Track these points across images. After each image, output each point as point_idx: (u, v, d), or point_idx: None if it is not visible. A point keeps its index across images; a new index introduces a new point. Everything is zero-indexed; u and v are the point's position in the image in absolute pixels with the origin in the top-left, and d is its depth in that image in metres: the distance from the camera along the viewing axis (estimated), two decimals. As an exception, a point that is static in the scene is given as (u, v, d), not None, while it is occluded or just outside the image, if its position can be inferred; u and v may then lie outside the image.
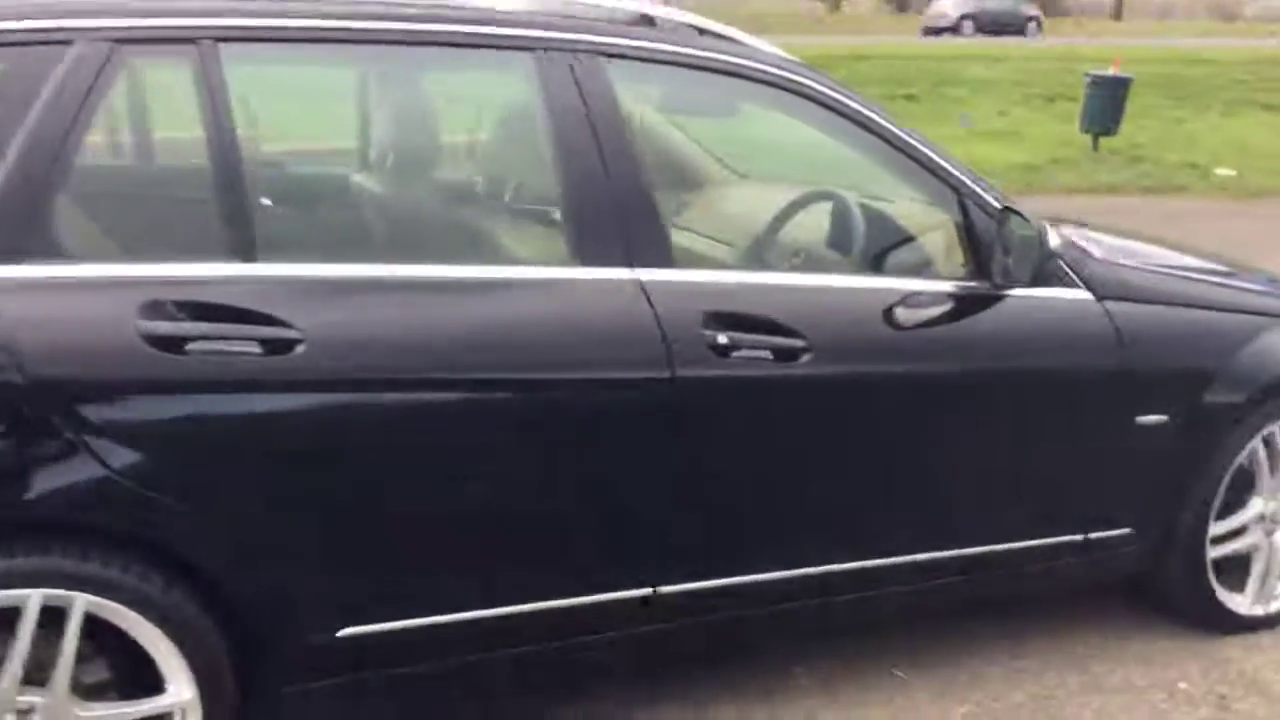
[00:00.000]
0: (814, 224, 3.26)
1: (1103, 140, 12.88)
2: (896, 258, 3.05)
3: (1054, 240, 2.88)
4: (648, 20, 2.91)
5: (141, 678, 2.28)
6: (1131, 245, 3.71)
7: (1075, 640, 3.43)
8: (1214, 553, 3.41)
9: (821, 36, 27.88)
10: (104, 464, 2.16)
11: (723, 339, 2.61)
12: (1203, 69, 22.15)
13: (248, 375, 2.25)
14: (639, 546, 2.66)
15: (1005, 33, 33.36)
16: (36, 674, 2.19)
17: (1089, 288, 3.11)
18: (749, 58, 2.85)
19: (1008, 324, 2.98)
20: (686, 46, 2.80)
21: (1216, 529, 3.39)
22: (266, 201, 2.55)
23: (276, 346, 2.27)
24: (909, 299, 2.88)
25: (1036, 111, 16.56)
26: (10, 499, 2.13)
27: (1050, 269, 3.03)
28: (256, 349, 2.26)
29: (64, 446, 2.14)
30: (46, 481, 2.14)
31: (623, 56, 2.67)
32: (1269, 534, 3.50)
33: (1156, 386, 3.18)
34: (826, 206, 3.23)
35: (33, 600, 2.14)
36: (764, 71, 2.83)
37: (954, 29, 34.21)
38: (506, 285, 2.55)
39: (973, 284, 2.95)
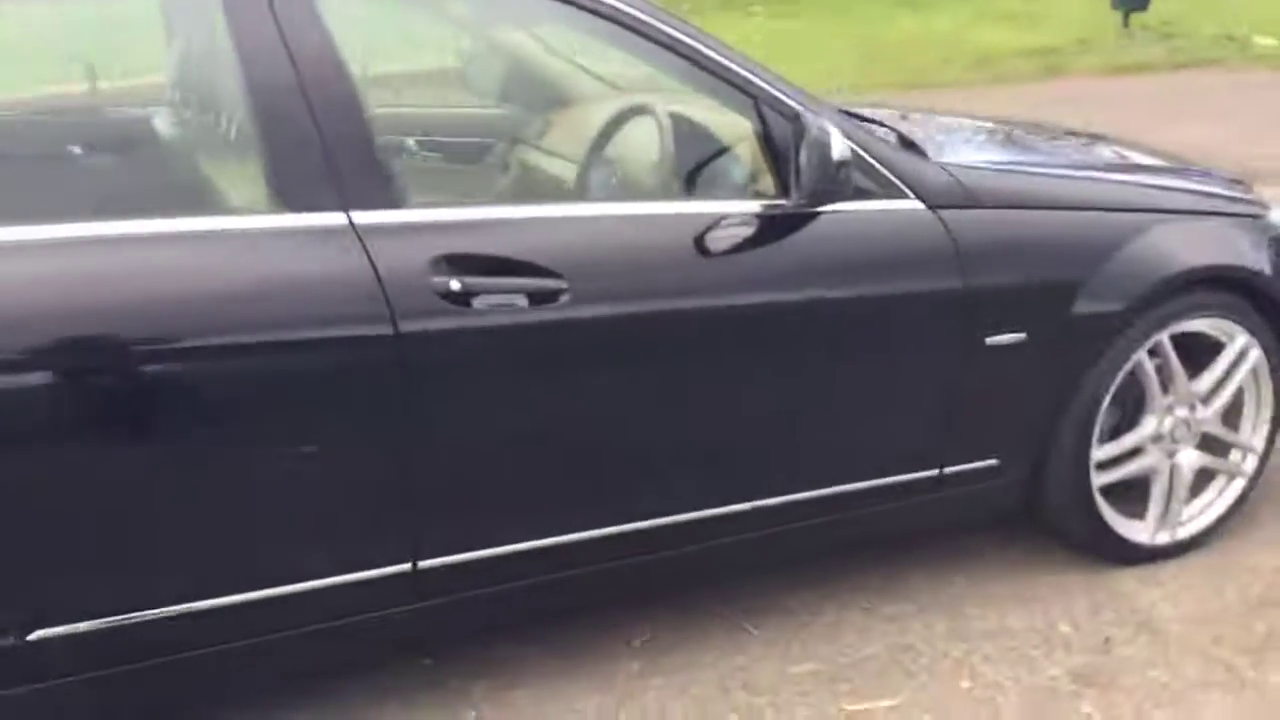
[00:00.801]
0: (635, 142, 2.95)
1: (1133, 17, 12.18)
2: (703, 177, 2.74)
3: (839, 147, 2.50)
4: None
5: None
6: (999, 140, 3.34)
7: (953, 582, 3.14)
8: (1102, 479, 3.08)
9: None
10: None
11: (455, 285, 2.32)
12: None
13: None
14: (381, 520, 2.41)
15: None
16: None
17: (920, 195, 2.76)
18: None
19: (816, 246, 2.64)
20: None
21: (1101, 453, 3.05)
22: None
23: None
24: (695, 224, 2.56)
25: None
26: None
27: (884, 177, 2.71)
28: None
29: None
30: None
31: None
32: (1169, 455, 3.16)
33: (1009, 302, 2.83)
34: (644, 121, 2.92)
35: None
36: None
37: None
38: (196, 239, 2.26)
39: (772, 203, 2.63)
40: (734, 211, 2.62)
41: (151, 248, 2.21)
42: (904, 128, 3.18)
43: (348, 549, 2.38)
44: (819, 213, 2.62)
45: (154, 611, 2.23)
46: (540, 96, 3.44)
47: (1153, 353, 3.02)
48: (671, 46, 2.59)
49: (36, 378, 2.08)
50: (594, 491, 2.56)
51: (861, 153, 2.70)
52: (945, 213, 2.77)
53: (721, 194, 2.73)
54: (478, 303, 2.34)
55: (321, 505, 2.34)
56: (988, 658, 2.85)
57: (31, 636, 2.18)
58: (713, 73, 2.62)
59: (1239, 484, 3.27)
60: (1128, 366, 2.99)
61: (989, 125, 3.69)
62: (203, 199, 2.50)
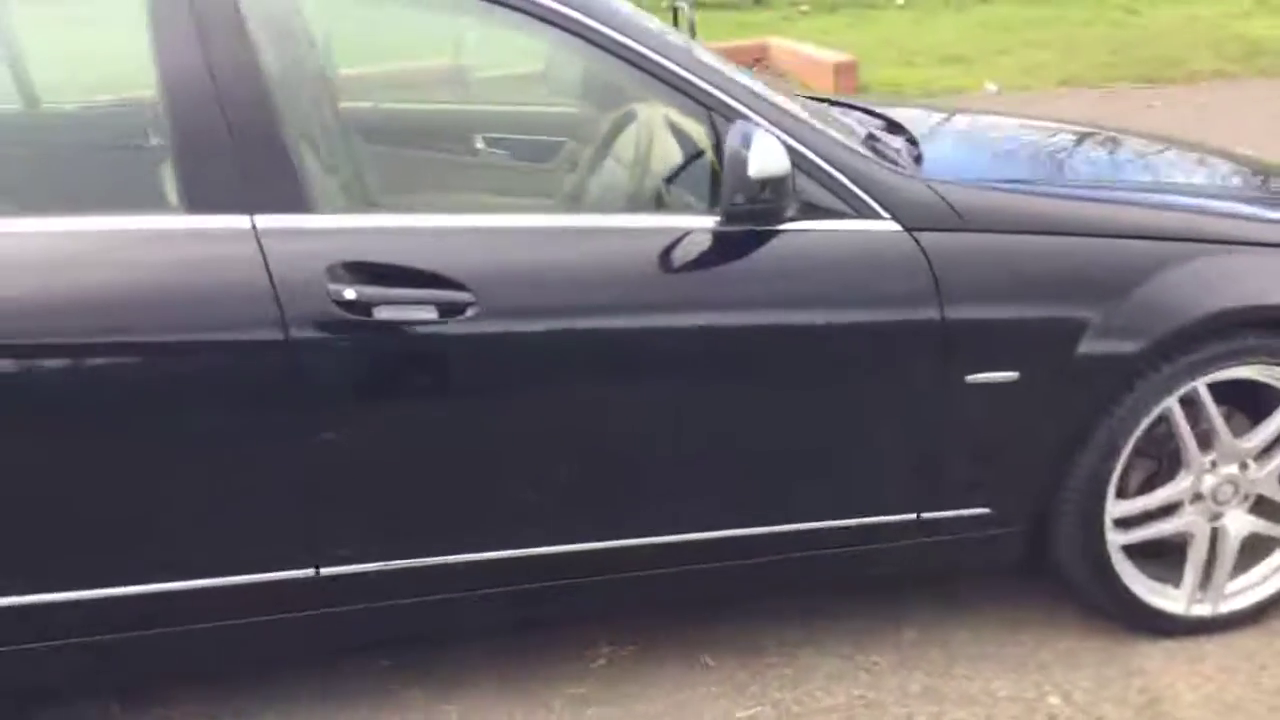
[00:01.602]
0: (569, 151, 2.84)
1: None
2: (642, 190, 2.60)
3: (764, 161, 2.27)
4: None
5: None
6: (1037, 152, 3.02)
7: (951, 637, 2.88)
8: (1124, 537, 2.75)
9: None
10: None
11: (350, 294, 2.28)
12: None
13: None
14: (280, 526, 2.40)
15: None
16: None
17: (895, 215, 2.52)
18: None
19: (764, 267, 2.45)
20: None
21: (1120, 509, 2.72)
22: None
23: None
24: (621, 240, 2.43)
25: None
26: None
27: (853, 194, 2.49)
28: None
29: None
30: None
31: None
32: (1212, 518, 2.79)
33: (997, 338, 2.55)
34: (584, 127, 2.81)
35: None
36: None
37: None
38: (100, 236, 2.30)
39: (704, 220, 2.45)
40: (668, 227, 2.47)
41: (56, 242, 2.27)
42: (922, 133, 2.93)
43: (247, 552, 2.39)
44: (772, 231, 2.44)
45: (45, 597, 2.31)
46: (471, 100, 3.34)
47: (1186, 401, 2.67)
48: (594, 40, 2.44)
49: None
50: (500, 512, 2.47)
51: (825, 167, 2.49)
52: (924, 236, 2.52)
53: (663, 208, 2.58)
54: (380, 313, 2.30)
55: (217, 505, 2.35)
56: (953, 726, 2.61)
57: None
58: (637, 66, 2.44)
59: (1308, 554, 2.87)
60: (1153, 415, 2.65)
61: (1044, 134, 3.36)
62: (117, 197, 2.55)
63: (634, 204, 2.68)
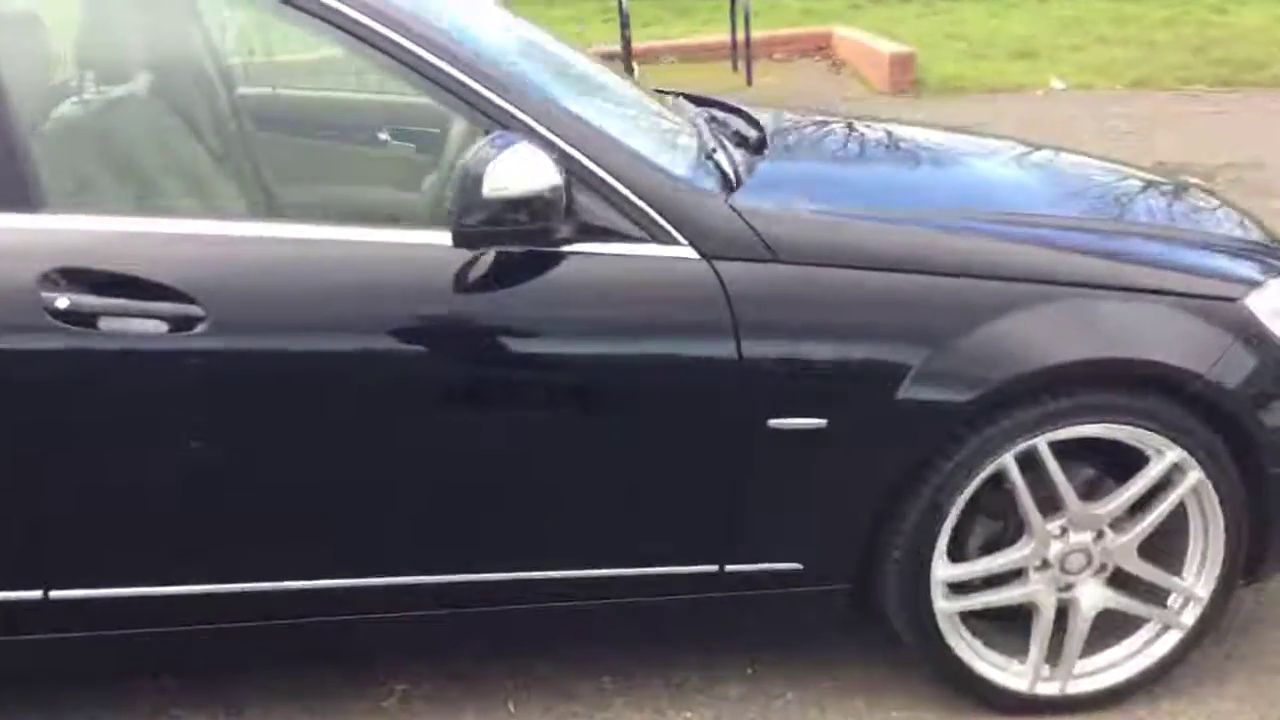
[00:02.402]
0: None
1: None
2: (396, 199, 2.41)
3: (505, 178, 2.05)
4: None
5: None
6: (914, 171, 2.77)
7: (778, 694, 2.64)
8: (959, 604, 2.49)
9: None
10: None
11: (63, 303, 2.14)
12: None
13: None
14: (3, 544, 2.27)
15: None
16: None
17: (694, 242, 2.29)
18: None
19: (512, 294, 2.24)
20: None
21: (951, 572, 2.46)
22: None
23: None
24: (369, 254, 2.26)
25: None
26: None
27: (647, 216, 2.27)
28: None
29: None
30: None
31: None
32: (1062, 588, 2.51)
33: (803, 381, 2.32)
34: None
35: None
36: None
37: None
38: None
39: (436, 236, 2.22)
40: (407, 243, 2.28)
41: None
42: (785, 144, 2.71)
43: None
44: (536, 253, 2.23)
45: None
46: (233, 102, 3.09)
47: (1023, 460, 2.40)
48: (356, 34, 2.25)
49: None
50: (224, 543, 2.31)
51: (617, 186, 2.27)
52: (725, 265, 2.29)
53: (414, 222, 2.39)
54: (103, 324, 2.15)
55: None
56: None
57: None
58: (404, 64, 2.25)
59: (1172, 638, 2.56)
60: (985, 473, 2.39)
61: (931, 150, 3.09)
62: None
63: (383, 216, 2.48)
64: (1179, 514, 2.50)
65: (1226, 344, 2.41)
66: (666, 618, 2.51)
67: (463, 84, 2.25)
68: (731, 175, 2.51)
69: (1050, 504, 2.44)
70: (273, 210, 2.70)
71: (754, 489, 2.38)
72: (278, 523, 2.31)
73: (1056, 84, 9.50)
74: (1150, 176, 3.17)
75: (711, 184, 2.44)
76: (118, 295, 2.16)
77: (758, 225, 2.32)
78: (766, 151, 2.78)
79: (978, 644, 2.53)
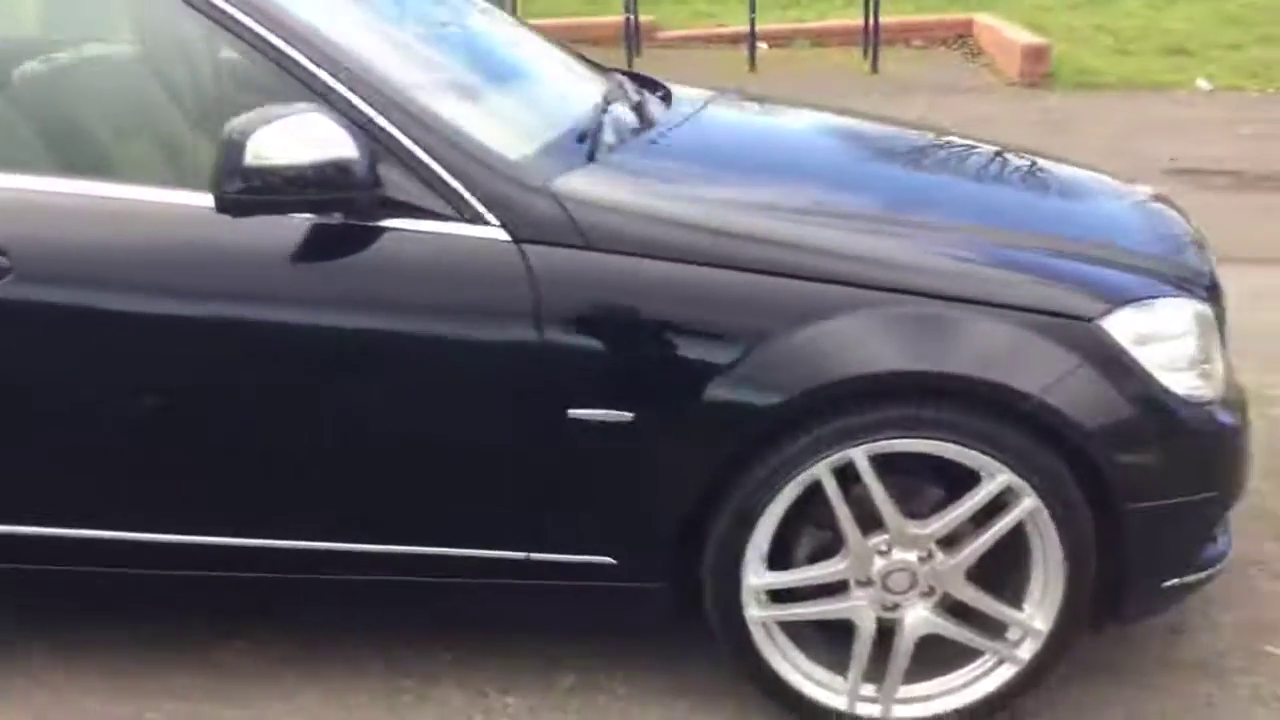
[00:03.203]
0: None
1: None
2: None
3: (272, 147, 2.07)
4: None
5: None
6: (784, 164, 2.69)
7: (613, 689, 2.61)
8: (771, 613, 2.41)
9: None
10: None
11: None
12: None
13: None
14: None
15: None
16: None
17: (506, 224, 2.27)
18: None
19: (299, 265, 2.28)
20: None
21: (764, 580, 2.38)
22: None
23: None
24: (177, 217, 2.31)
25: None
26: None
27: (459, 196, 2.26)
28: None
29: None
30: None
31: None
32: (886, 608, 2.40)
33: (607, 372, 2.28)
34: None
35: None
36: None
37: None
38: None
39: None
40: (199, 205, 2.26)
41: None
42: (671, 124, 2.77)
43: None
44: (328, 225, 2.26)
45: None
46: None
47: (839, 472, 2.30)
48: None
49: None
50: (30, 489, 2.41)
51: (431, 164, 2.27)
52: (534, 250, 2.27)
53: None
54: None
55: None
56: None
57: None
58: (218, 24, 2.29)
59: (1006, 672, 2.43)
60: (799, 482, 2.31)
61: (826, 140, 3.02)
62: None
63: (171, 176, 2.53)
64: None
65: (1070, 366, 2.27)
66: (474, 600, 2.50)
67: (275, 49, 2.28)
68: (590, 158, 2.49)
69: (875, 520, 2.35)
70: (73, 166, 2.60)
71: (557, 479, 2.35)
72: (70, 471, 2.40)
73: (1202, 84, 9.00)
74: (1081, 178, 3.00)
75: (546, 167, 2.40)
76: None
77: (574, 211, 2.29)
78: (650, 135, 2.73)
79: (798, 656, 2.45)
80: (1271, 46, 9.59)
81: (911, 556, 2.37)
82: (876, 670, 2.43)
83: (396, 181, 2.26)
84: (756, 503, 2.32)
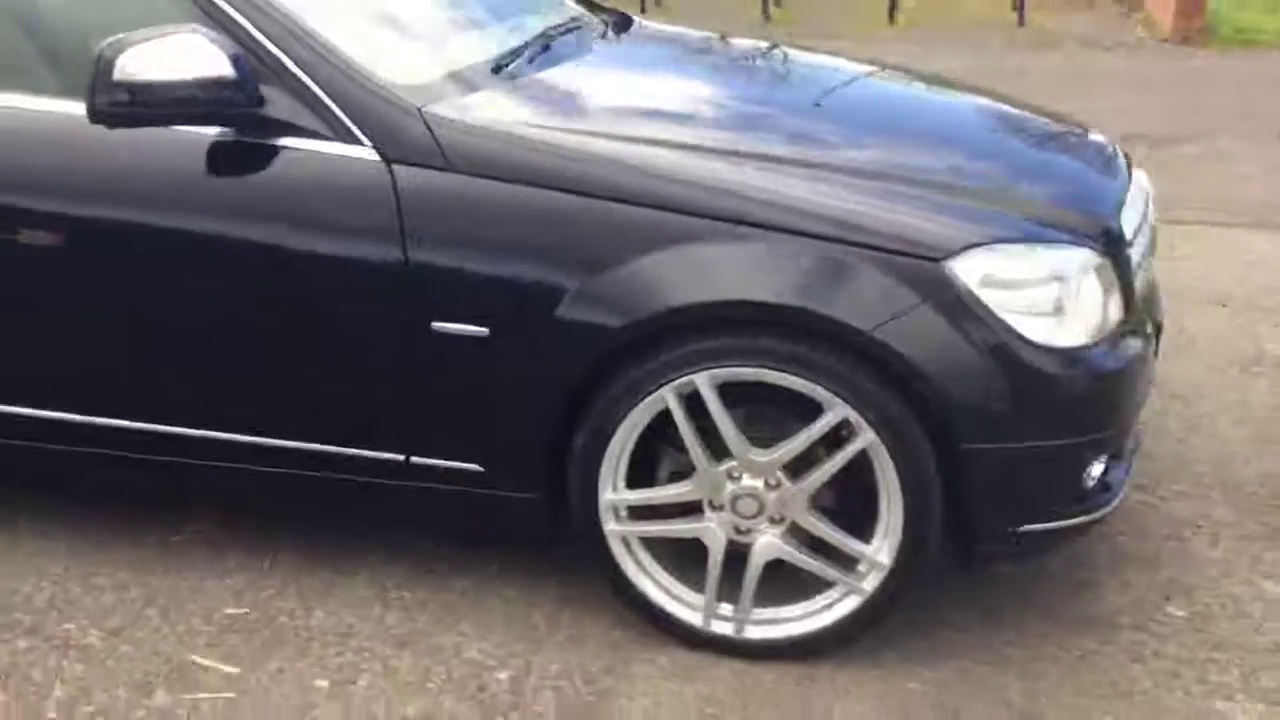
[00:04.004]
0: None
1: None
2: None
3: (139, 64, 2.28)
4: None
5: None
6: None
7: (487, 597, 2.76)
8: (628, 528, 2.52)
9: None
10: None
11: None
12: None
13: None
14: None
15: None
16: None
17: (378, 146, 2.42)
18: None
19: (177, 178, 2.49)
20: None
21: (620, 497, 2.49)
22: None
23: None
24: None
25: None
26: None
27: (335, 118, 2.43)
28: None
29: None
30: None
31: None
32: (738, 531, 2.48)
33: (466, 289, 2.41)
34: None
35: None
36: None
37: None
38: None
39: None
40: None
41: None
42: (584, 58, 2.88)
43: None
44: (207, 139, 2.47)
45: None
46: None
47: (683, 395, 2.38)
48: None
49: None
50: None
51: (312, 86, 2.45)
52: (403, 170, 2.41)
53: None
54: None
55: None
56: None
57: None
58: None
59: (851, 603, 2.48)
60: (648, 403, 2.40)
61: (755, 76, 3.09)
62: None
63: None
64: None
65: (910, 304, 2.29)
66: (358, 497, 2.67)
67: None
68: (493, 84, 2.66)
69: (724, 446, 2.42)
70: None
71: (428, 387, 2.50)
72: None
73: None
74: (1013, 119, 2.99)
75: (435, 90, 2.55)
76: None
77: (441, 134, 2.42)
78: (568, 66, 2.85)
79: (659, 571, 2.55)
80: None
81: (759, 484, 2.44)
82: (737, 592, 2.52)
83: (281, 101, 2.44)
84: (610, 421, 2.42)
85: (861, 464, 2.39)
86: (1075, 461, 2.44)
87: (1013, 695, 2.46)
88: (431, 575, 2.82)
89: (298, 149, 2.45)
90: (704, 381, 2.36)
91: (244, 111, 2.42)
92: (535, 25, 3.11)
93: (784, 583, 2.53)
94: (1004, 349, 2.31)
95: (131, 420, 2.65)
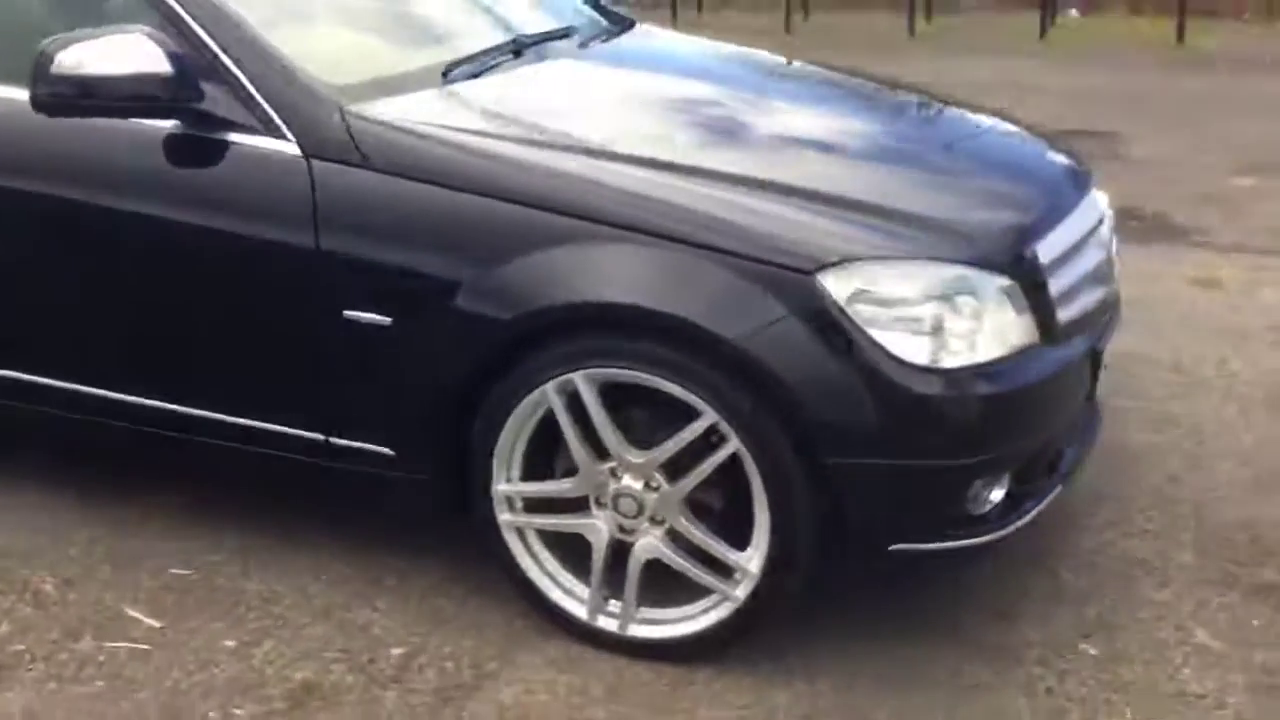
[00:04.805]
0: None
1: None
2: None
3: (79, 60, 2.48)
4: None
5: None
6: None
7: (398, 579, 2.88)
8: (520, 519, 2.60)
9: None
10: None
11: None
12: None
13: None
14: None
15: None
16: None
17: (300, 141, 2.57)
18: None
19: (110, 165, 2.69)
20: None
21: (511, 488, 2.57)
22: None
23: None
24: None
25: None
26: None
27: (264, 113, 2.59)
28: None
29: None
30: None
31: None
32: (623, 531, 2.52)
33: (370, 279, 2.54)
34: None
35: None
36: None
37: None
38: None
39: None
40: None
41: None
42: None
43: None
44: (136, 130, 2.65)
45: None
46: None
47: (566, 393, 2.45)
48: None
49: None
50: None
51: (246, 85, 2.61)
52: (320, 165, 2.56)
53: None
54: None
55: None
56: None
57: None
58: None
59: (725, 609, 2.50)
60: (531, 398, 2.48)
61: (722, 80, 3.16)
62: None
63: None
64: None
65: (778, 315, 2.30)
66: (294, 475, 2.83)
67: None
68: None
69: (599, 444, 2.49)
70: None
71: (342, 370, 2.64)
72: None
73: None
74: (959, 130, 3.03)
75: (365, 90, 2.69)
76: None
77: (357, 132, 2.56)
78: (525, 70, 2.98)
79: (553, 564, 2.62)
80: None
81: (639, 484, 2.48)
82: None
83: (220, 97, 2.62)
84: (500, 413, 2.51)
85: (741, 472, 2.41)
86: (956, 483, 2.40)
87: (881, 717, 2.44)
88: (368, 553, 2.97)
89: (231, 142, 2.62)
90: (582, 380, 2.42)
91: (183, 106, 2.61)
92: (524, 30, 3.22)
93: (673, 584, 2.57)
94: (871, 366, 2.30)
95: (79, 385, 2.88)
